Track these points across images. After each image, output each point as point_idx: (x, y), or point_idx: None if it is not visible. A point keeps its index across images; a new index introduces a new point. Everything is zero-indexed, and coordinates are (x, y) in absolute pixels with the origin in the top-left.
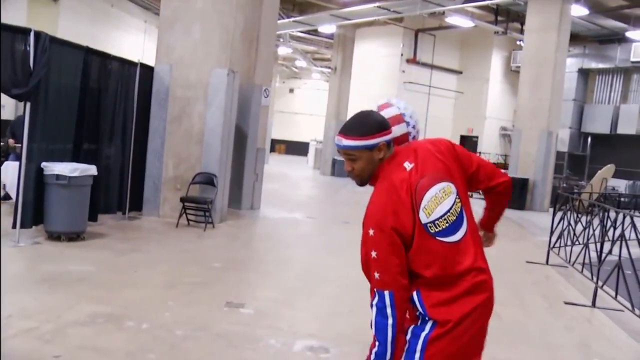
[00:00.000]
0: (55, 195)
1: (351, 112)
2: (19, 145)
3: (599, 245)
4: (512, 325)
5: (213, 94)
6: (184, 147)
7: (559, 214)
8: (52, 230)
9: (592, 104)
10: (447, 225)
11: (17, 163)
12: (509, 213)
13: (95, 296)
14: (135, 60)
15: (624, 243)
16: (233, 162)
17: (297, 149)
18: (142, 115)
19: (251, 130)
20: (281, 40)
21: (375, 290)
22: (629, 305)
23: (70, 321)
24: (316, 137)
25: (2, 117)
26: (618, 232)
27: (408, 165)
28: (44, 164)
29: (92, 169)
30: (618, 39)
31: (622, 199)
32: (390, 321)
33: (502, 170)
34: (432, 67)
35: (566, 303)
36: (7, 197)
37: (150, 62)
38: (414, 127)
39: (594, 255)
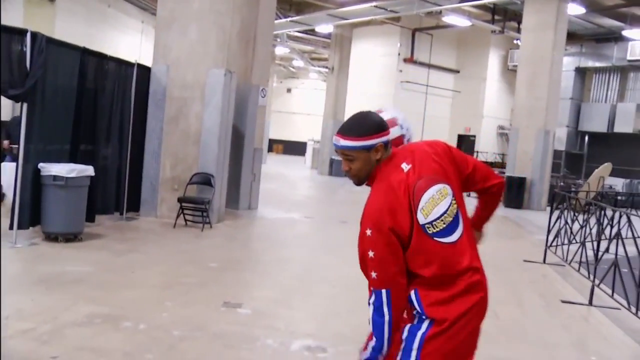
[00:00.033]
0: (52, 196)
1: (349, 111)
2: (16, 146)
3: (595, 243)
4: (510, 324)
5: (210, 94)
6: (181, 147)
7: (556, 213)
8: (49, 231)
9: (589, 103)
10: (444, 226)
11: (14, 164)
12: (506, 212)
13: (92, 297)
14: (132, 60)
15: (620, 241)
16: (230, 162)
17: (295, 148)
18: (139, 116)
19: (248, 130)
20: (278, 40)
21: (372, 289)
22: (625, 303)
23: (67, 322)
24: (314, 137)
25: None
26: (614, 230)
27: (405, 167)
28: (41, 165)
29: (89, 170)
30: (615, 37)
31: (619, 198)
32: (386, 318)
33: (496, 172)
34: (429, 66)
35: (563, 301)
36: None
37: (148, 62)
38: (407, 129)
39: (590, 253)
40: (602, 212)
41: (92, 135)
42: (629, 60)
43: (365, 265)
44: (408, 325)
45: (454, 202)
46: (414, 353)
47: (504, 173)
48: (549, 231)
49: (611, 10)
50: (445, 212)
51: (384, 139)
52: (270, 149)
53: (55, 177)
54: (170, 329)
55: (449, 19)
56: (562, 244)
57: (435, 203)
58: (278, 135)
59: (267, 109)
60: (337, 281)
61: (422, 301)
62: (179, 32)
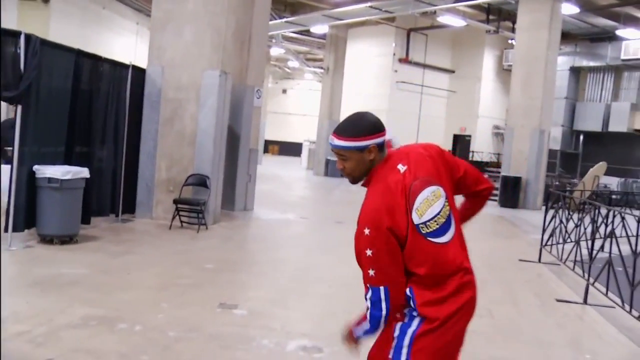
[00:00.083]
0: (47, 199)
1: (344, 112)
2: (10, 148)
3: (590, 242)
4: (505, 323)
5: (205, 95)
6: (176, 148)
7: (551, 212)
8: (44, 233)
9: (584, 102)
10: (437, 226)
11: (8, 167)
12: (502, 211)
13: (88, 299)
14: (127, 62)
15: (614, 240)
16: (226, 164)
17: (291, 149)
18: (134, 118)
19: (244, 131)
20: (273, 40)
21: (368, 285)
22: (619, 301)
23: (62, 324)
24: (309, 138)
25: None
26: (609, 229)
27: (402, 168)
28: (35, 167)
29: (84, 172)
30: (609, 37)
31: (614, 196)
32: (384, 313)
33: (486, 176)
34: (424, 66)
35: (558, 300)
36: None
37: (143, 64)
38: (391, 138)
39: (585, 252)
40: (597, 211)
41: (87, 137)
42: (623, 60)
43: (361, 262)
44: (399, 324)
45: (446, 204)
46: (404, 350)
47: (499, 173)
48: (544, 230)
49: (605, 9)
50: (438, 213)
51: (377, 140)
52: (265, 150)
53: (50, 180)
54: (165, 330)
55: (443, 19)
56: (557, 243)
57: (429, 204)
58: (273, 136)
59: (263, 110)
60: (333, 281)
61: (416, 299)
62: (173, 33)
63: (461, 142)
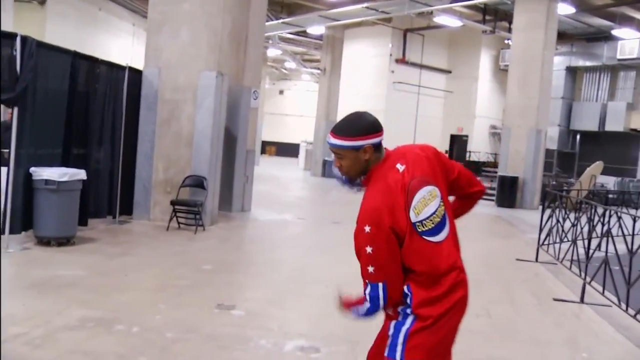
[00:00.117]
0: (44, 200)
1: (341, 113)
2: (7, 151)
3: (586, 242)
4: (503, 322)
5: (202, 96)
6: (173, 150)
7: (548, 212)
8: (41, 235)
9: (580, 102)
10: (432, 225)
11: (5, 169)
12: (499, 211)
13: (85, 300)
14: (124, 63)
15: (610, 239)
16: (223, 165)
17: (288, 150)
18: (131, 119)
19: (241, 132)
20: (270, 41)
21: (367, 281)
22: (615, 300)
23: (60, 326)
24: (306, 139)
25: None
26: (605, 228)
27: (400, 167)
28: (32, 169)
29: (81, 174)
30: (605, 37)
31: (610, 196)
32: (381, 307)
33: (478, 178)
34: (421, 66)
35: (555, 299)
36: None
37: (139, 65)
38: None
39: (582, 251)
40: (593, 211)
41: (84, 138)
42: (619, 59)
43: (360, 259)
44: (394, 322)
45: (442, 204)
46: (399, 347)
47: (496, 172)
48: (541, 230)
49: (601, 9)
50: (434, 213)
51: (373, 140)
52: (262, 151)
53: (47, 181)
54: (163, 331)
55: (440, 19)
56: (554, 242)
57: (425, 203)
58: (271, 137)
59: (260, 111)
60: (330, 281)
61: (413, 298)
62: (170, 34)
63: (458, 142)
